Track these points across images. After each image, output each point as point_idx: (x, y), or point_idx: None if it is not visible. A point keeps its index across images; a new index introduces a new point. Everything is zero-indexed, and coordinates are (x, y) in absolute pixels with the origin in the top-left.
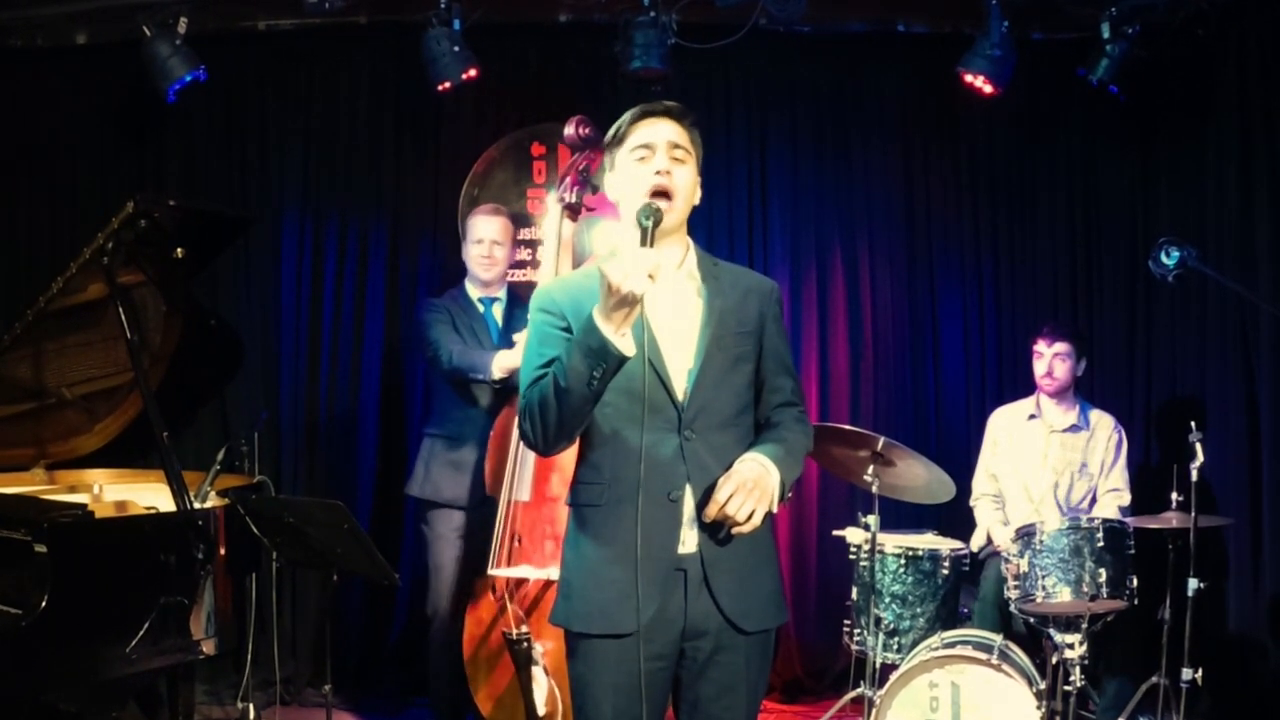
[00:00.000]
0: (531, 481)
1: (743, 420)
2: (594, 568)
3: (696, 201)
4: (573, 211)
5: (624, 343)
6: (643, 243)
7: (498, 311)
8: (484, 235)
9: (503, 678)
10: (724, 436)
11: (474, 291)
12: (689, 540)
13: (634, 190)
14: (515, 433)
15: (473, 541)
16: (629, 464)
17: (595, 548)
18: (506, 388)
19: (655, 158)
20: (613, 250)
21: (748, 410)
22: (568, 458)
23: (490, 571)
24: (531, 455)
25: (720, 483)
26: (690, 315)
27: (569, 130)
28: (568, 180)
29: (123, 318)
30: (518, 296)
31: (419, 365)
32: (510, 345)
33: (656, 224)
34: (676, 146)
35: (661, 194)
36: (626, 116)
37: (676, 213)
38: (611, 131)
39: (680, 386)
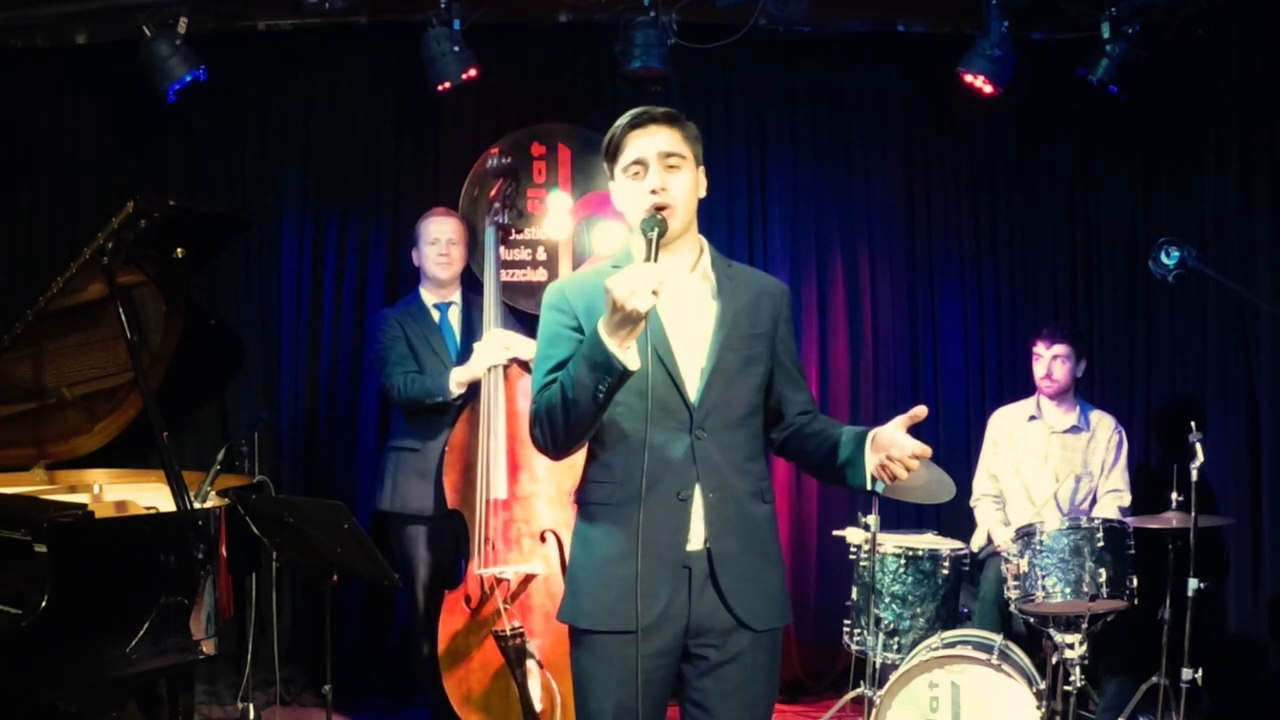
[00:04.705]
0: (506, 480)
1: (752, 421)
2: (602, 565)
3: (703, 194)
4: (506, 232)
5: (629, 357)
6: (647, 256)
7: (454, 317)
8: (439, 235)
9: (480, 682)
10: (735, 436)
11: (429, 297)
12: (696, 538)
13: (634, 206)
14: (479, 437)
15: (443, 551)
16: (640, 464)
17: (604, 546)
18: (465, 397)
19: (649, 175)
20: (625, 249)
21: (758, 411)
22: (533, 458)
23: (476, 571)
24: (503, 454)
25: (919, 448)
26: (704, 316)
27: (490, 162)
28: (497, 205)
29: (123, 318)
30: (472, 300)
31: None
32: (469, 354)
33: (661, 234)
34: (669, 155)
35: (661, 209)
36: (618, 126)
37: (680, 219)
38: (606, 141)
39: (693, 387)
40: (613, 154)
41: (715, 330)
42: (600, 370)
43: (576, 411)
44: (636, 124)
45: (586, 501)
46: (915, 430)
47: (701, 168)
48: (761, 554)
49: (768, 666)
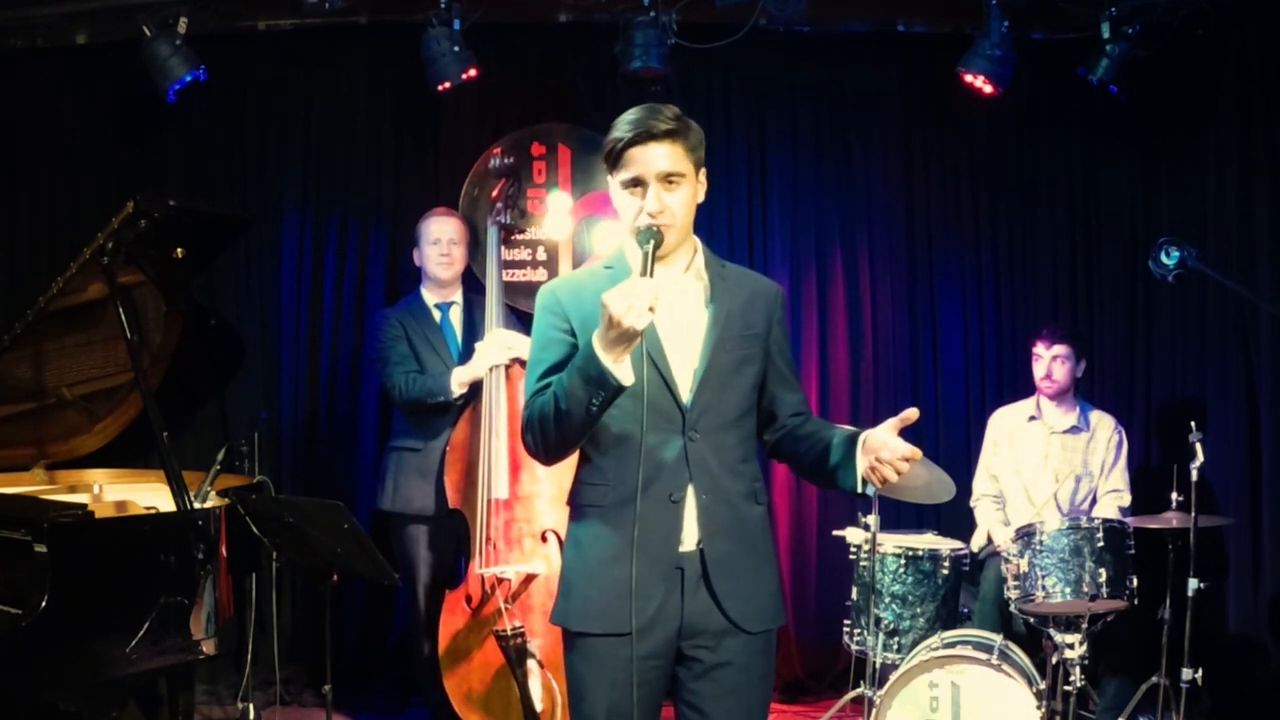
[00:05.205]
0: (507, 480)
1: (746, 422)
2: (594, 568)
3: (701, 199)
4: (508, 232)
5: (623, 372)
6: (644, 270)
7: (455, 317)
8: (440, 235)
9: (481, 682)
10: (728, 437)
11: (430, 297)
12: (689, 540)
13: (629, 219)
14: (480, 437)
15: (444, 551)
16: (634, 466)
17: (597, 548)
18: (466, 397)
19: (648, 196)
20: (618, 251)
21: (751, 413)
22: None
23: (477, 571)
24: (504, 454)
25: (910, 451)
26: (696, 317)
27: (492, 162)
28: (499, 205)
29: (123, 318)
30: (474, 300)
31: None
32: (470, 354)
33: (657, 246)
34: (669, 175)
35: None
36: (619, 140)
37: (677, 233)
38: (606, 148)
39: (685, 388)
40: (612, 162)
41: (708, 332)
42: (594, 384)
43: (569, 422)
44: (637, 140)
45: (579, 503)
46: (914, 430)
47: (703, 170)
48: (755, 555)
49: (762, 668)
